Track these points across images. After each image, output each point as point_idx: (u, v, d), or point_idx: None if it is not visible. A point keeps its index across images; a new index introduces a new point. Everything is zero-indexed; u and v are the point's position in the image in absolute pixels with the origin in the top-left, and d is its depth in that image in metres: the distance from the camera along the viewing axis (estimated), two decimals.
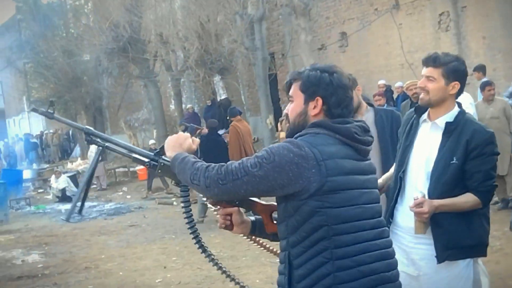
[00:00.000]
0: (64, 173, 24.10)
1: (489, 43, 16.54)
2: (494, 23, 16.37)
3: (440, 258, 3.95)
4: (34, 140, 38.45)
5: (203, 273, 9.02)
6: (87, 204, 20.03)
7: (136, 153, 3.33)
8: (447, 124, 4.04)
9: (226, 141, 15.59)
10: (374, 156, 4.36)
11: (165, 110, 29.09)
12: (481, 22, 16.79)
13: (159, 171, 3.18)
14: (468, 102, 10.37)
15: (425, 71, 4.11)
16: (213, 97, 24.61)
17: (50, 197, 23.75)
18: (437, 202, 3.87)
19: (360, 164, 2.95)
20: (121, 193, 22.72)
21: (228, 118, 15.27)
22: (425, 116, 4.22)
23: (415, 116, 4.28)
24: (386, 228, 3.02)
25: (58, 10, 35.67)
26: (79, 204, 3.42)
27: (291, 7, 19.01)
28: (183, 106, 27.78)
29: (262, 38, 21.09)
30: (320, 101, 2.96)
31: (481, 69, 13.82)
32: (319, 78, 2.97)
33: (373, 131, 5.23)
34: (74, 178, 24.15)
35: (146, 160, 3.24)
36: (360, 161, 2.96)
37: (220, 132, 17.86)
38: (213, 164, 2.86)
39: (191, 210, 3.15)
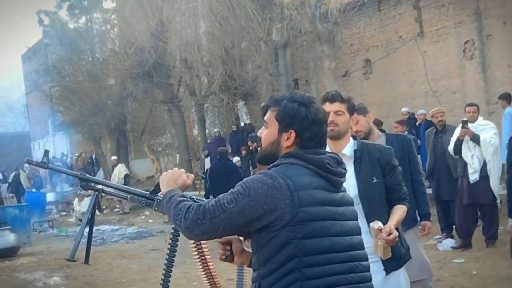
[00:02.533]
0: (87, 196, 24.14)
1: None
2: None
3: (388, 270, 4.35)
4: (58, 163, 38.73)
5: None
6: (108, 227, 20.14)
7: (132, 193, 3.40)
8: (355, 151, 4.47)
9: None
10: None
11: (188, 135, 29.18)
12: (506, 50, 16.73)
13: (156, 208, 3.22)
14: (493, 132, 10.21)
15: (332, 106, 4.52)
16: (236, 123, 24.67)
17: (72, 220, 23.83)
18: (392, 224, 4.24)
19: (333, 195, 2.94)
20: (143, 217, 22.74)
21: (256, 144, 15.38)
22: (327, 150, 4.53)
23: None
24: (364, 262, 2.98)
25: (84, 35, 36.10)
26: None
27: (315, 34, 19.07)
28: (207, 131, 27.87)
29: (286, 64, 21.15)
30: (293, 134, 2.97)
31: (505, 97, 13.74)
32: (296, 111, 2.98)
33: None
34: (97, 201, 24.18)
35: (142, 198, 3.31)
36: (333, 193, 2.95)
37: (235, 159, 17.95)
38: (194, 204, 2.86)
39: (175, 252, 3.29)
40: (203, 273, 3.34)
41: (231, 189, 2.87)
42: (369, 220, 4.25)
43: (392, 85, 20.53)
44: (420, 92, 19.32)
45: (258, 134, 3.13)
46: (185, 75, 25.96)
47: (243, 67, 22.72)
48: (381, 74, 20.91)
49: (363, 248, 3.02)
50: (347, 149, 4.48)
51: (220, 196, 2.85)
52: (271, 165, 2.96)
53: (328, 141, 4.34)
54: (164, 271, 3.34)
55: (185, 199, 2.95)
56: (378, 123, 15.56)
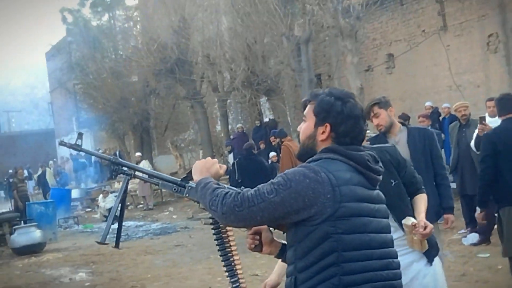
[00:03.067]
0: (111, 192, 24.33)
1: None
2: None
3: (431, 259, 4.40)
4: (83, 159, 38.98)
5: None
6: (133, 223, 20.27)
7: (163, 179, 3.40)
8: None
9: (270, 161, 15.70)
10: None
11: (211, 131, 29.24)
12: None
13: (187, 195, 3.21)
14: None
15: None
16: (259, 118, 24.68)
17: (97, 216, 24.00)
18: (423, 216, 4.35)
19: (370, 192, 2.96)
20: (167, 213, 22.84)
21: (279, 139, 15.36)
22: None
23: None
24: (396, 260, 3.01)
25: (108, 32, 36.24)
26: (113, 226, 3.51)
27: (337, 29, 19.02)
28: (229, 127, 27.91)
29: (308, 60, 21.12)
30: (328, 128, 2.98)
31: None
32: (332, 105, 2.99)
33: (406, 150, 5.63)
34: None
35: (174, 185, 3.30)
36: (370, 190, 2.96)
37: (271, 154, 17.93)
38: (231, 191, 2.87)
39: (222, 234, 3.21)
40: (225, 265, 3.30)
41: (271, 180, 2.87)
42: (400, 220, 4.31)
43: (415, 80, 20.43)
44: (444, 86, 19.21)
45: (298, 129, 3.16)
46: (207, 71, 26.02)
47: (265, 63, 22.73)
48: (404, 68, 20.82)
49: (393, 246, 3.04)
50: None
51: (260, 186, 2.85)
52: (310, 159, 2.97)
53: None
54: (225, 267, 3.29)
55: (220, 186, 2.95)
56: (405, 118, 15.50)
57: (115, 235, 3.66)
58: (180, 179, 3.28)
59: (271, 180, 2.87)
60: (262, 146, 21.28)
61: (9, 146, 53.90)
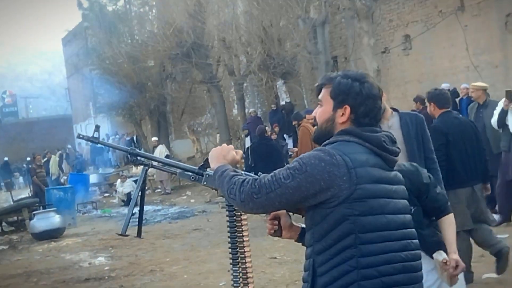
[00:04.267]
0: (129, 177, 24.42)
1: None
2: None
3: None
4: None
5: (267, 277, 9.03)
6: (151, 208, 20.35)
7: (181, 168, 3.41)
8: None
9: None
10: (401, 159, 4.54)
11: (228, 115, 29.25)
12: None
13: (205, 183, 3.22)
14: None
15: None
16: (276, 101, 24.67)
17: (115, 201, 24.11)
18: (454, 250, 4.32)
19: (387, 173, 2.95)
20: (185, 197, 22.92)
21: (297, 122, 15.34)
22: None
23: None
24: (415, 241, 3.00)
25: (123, 17, 36.26)
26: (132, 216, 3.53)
27: (353, 10, 18.90)
28: (246, 110, 27.90)
29: (324, 42, 21.03)
30: (348, 110, 2.97)
31: None
32: (350, 86, 2.97)
33: (399, 135, 5.62)
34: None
35: (191, 174, 3.31)
36: (387, 171, 2.96)
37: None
38: (248, 178, 2.87)
39: (235, 222, 3.20)
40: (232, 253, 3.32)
41: (287, 165, 2.88)
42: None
43: (433, 61, 20.30)
44: (461, 67, 19.06)
45: (313, 114, 3.14)
46: (223, 55, 26.01)
47: (281, 46, 22.67)
48: (421, 49, 20.68)
49: (413, 227, 3.03)
50: None
51: (276, 171, 2.86)
52: (326, 142, 2.96)
53: None
54: (230, 253, 3.32)
55: (238, 173, 2.96)
56: (420, 100, 15.43)
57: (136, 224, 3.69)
58: (197, 167, 3.29)
59: (287, 165, 2.88)
60: (276, 129, 21.29)
61: (27, 132, 54.35)
